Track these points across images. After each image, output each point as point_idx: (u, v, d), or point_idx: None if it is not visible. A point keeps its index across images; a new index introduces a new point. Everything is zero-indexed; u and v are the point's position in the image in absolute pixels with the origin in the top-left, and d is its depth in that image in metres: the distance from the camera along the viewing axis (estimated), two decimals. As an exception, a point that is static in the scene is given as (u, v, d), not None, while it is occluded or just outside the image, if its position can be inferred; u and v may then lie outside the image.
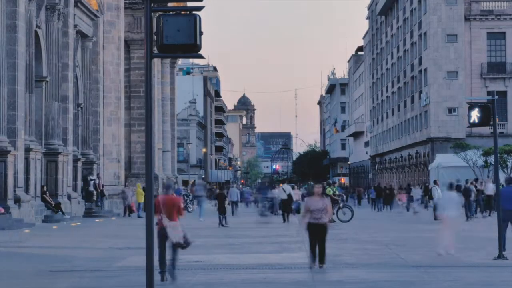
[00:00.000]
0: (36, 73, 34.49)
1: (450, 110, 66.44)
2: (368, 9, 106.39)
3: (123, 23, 47.95)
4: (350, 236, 25.57)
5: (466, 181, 35.43)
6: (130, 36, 52.68)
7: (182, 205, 14.64)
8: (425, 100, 68.38)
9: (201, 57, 9.22)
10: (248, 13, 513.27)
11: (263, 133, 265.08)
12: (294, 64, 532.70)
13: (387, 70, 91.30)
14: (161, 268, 13.94)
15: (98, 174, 42.96)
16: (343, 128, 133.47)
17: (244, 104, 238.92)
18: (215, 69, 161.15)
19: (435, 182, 40.39)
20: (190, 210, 47.99)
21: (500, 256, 17.27)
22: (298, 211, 35.75)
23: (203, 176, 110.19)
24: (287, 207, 35.32)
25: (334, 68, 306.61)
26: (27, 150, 32.75)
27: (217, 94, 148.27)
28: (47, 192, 35.30)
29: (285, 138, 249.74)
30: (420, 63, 71.67)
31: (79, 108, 41.92)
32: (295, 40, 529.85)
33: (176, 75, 69.40)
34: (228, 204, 39.27)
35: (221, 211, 32.24)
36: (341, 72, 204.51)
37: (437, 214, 27.59)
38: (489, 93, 55.64)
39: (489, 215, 36.66)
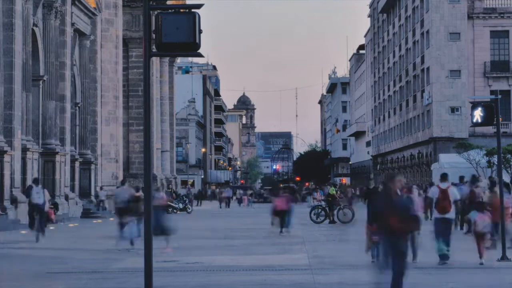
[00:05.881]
0: (33, 72, 34.30)
1: (453, 110, 66.11)
2: (370, 7, 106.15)
3: (121, 21, 47.67)
4: (351, 237, 25.32)
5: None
6: (129, 35, 52.41)
7: None
8: (428, 99, 68.06)
9: (200, 55, 9.15)
10: (248, 11, 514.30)
11: (263, 132, 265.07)
12: (295, 62, 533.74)
13: (389, 69, 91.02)
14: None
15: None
16: (344, 127, 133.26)
17: (244, 104, 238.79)
18: (214, 68, 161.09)
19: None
20: (189, 211, 47.79)
21: (504, 258, 17.10)
22: None
23: (202, 176, 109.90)
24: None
25: (335, 67, 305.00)
26: (24, 150, 32.50)
27: (217, 93, 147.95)
28: (45, 193, 34.96)
29: (286, 137, 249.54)
30: (422, 61, 71.37)
31: (77, 108, 41.67)
32: (295, 38, 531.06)
33: (175, 74, 69.24)
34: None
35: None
36: (342, 71, 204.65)
37: None
38: (492, 92, 55.30)
39: None
